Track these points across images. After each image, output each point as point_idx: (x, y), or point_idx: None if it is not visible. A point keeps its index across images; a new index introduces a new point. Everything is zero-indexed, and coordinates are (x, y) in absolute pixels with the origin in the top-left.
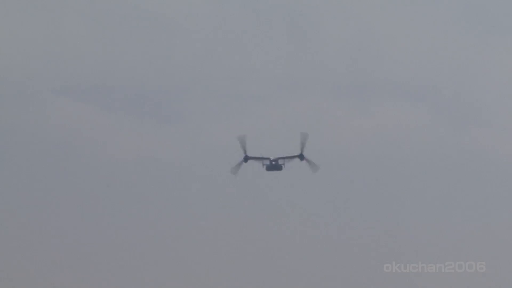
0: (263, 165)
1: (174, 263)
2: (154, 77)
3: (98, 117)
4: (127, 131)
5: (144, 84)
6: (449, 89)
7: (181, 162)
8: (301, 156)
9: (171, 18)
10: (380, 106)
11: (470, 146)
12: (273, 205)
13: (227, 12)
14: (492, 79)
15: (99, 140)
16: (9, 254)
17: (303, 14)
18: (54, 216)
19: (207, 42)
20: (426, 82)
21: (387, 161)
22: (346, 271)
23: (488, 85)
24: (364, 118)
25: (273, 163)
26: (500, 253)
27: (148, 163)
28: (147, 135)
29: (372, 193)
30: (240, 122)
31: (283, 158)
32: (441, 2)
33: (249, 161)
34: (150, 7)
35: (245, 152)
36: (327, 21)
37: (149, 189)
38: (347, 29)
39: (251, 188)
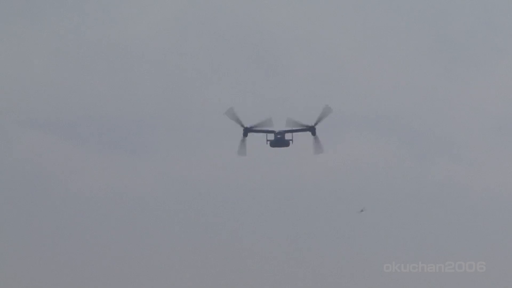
0: (267, 140)
1: None
2: (122, 110)
3: (65, 150)
4: (94, 165)
5: (112, 117)
6: (417, 122)
7: (150, 196)
8: (312, 130)
9: (139, 50)
10: (346, 138)
11: (438, 179)
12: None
13: (195, 45)
14: (460, 112)
15: (66, 174)
16: None
17: (270, 48)
18: (19, 252)
19: (176, 75)
20: (393, 114)
21: (354, 194)
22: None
23: (456, 118)
24: (330, 151)
25: (279, 136)
26: (500, 253)
27: (117, 197)
28: (115, 168)
29: (336, 226)
30: (209, 156)
31: (291, 131)
32: (408, 35)
33: (250, 136)
34: (116, 39)
35: (242, 124)
36: (293, 53)
37: (119, 223)
38: (313, 61)
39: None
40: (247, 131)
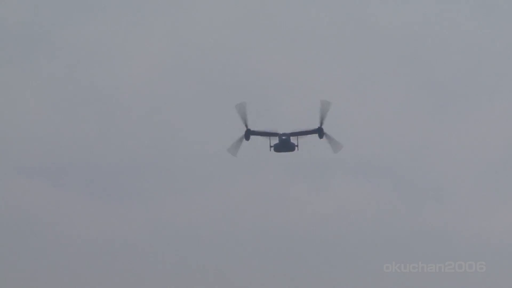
0: (270, 146)
1: None
2: (112, 156)
3: (55, 197)
4: (82, 211)
5: (99, 163)
6: (407, 168)
7: (141, 242)
8: (320, 132)
9: (125, 98)
10: (337, 183)
11: (427, 225)
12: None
13: (178, 87)
14: (450, 157)
15: (56, 221)
16: None
17: (254, 88)
18: None
19: (162, 119)
20: (383, 160)
21: (344, 239)
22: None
23: (445, 163)
24: (321, 196)
25: (284, 138)
26: (500, 253)
27: (105, 244)
28: (105, 215)
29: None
30: (196, 201)
31: (297, 134)
32: (397, 80)
33: (252, 138)
34: (102, 85)
35: (246, 124)
36: (282, 97)
37: (107, 270)
38: (302, 105)
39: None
40: (249, 133)
